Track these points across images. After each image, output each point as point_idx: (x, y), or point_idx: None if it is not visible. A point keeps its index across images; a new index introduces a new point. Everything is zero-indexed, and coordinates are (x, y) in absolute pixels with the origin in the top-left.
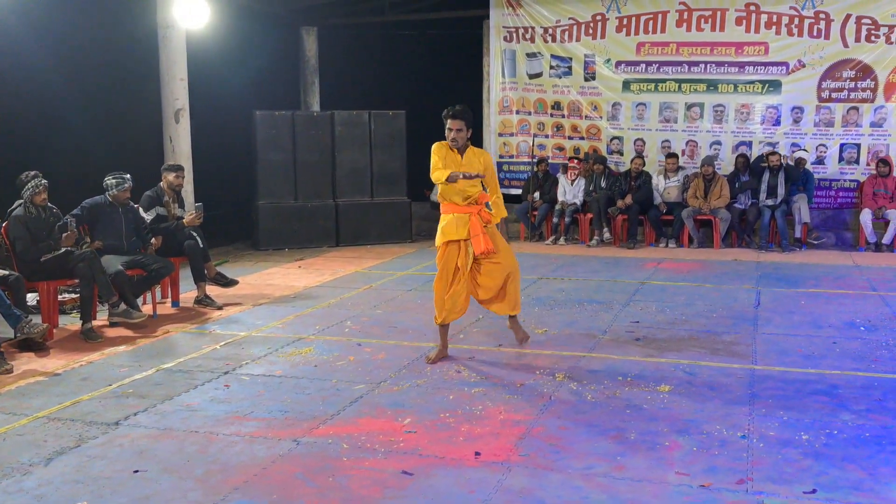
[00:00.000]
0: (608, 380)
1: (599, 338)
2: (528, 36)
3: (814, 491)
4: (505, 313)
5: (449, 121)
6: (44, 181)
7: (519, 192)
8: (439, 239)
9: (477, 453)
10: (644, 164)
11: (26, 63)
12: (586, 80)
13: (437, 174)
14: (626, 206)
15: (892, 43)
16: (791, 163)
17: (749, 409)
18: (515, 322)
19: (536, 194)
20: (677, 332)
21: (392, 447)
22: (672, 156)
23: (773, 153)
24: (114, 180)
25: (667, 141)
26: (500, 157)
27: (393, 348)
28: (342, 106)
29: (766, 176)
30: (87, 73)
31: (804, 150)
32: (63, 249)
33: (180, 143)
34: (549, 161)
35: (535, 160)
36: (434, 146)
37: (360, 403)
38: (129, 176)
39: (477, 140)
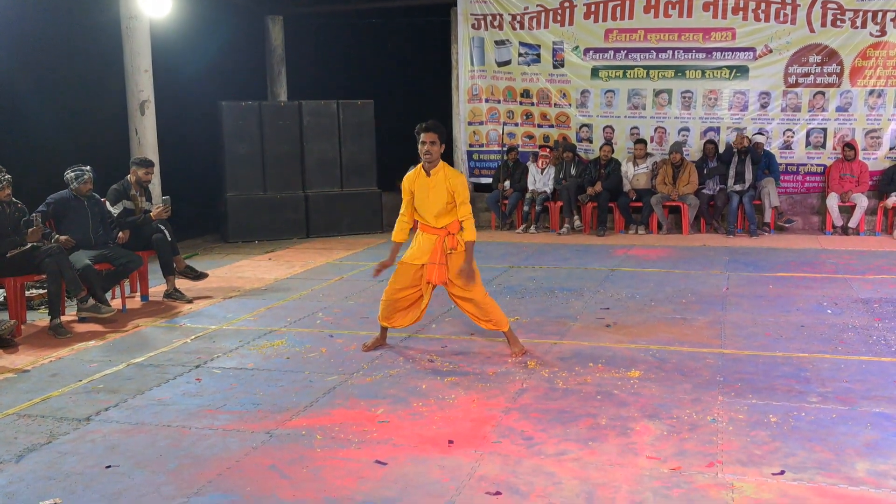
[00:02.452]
0: (579, 366)
1: (570, 325)
2: (496, 23)
3: (782, 472)
4: (492, 328)
5: (422, 134)
6: (7, 176)
7: (489, 181)
8: (405, 256)
9: (450, 441)
10: (613, 152)
11: None
12: (555, 67)
13: (398, 224)
14: (596, 194)
15: (857, 27)
16: (749, 145)
17: (718, 392)
18: (510, 335)
19: (507, 183)
20: (647, 318)
21: (365, 437)
22: (640, 142)
23: (740, 136)
24: (73, 174)
25: (635, 128)
26: (470, 145)
27: (365, 339)
28: (310, 96)
29: (735, 161)
30: (49, 66)
31: (761, 134)
32: (29, 245)
33: (146, 135)
34: (519, 149)
35: (504, 149)
36: (404, 179)
37: (333, 394)
38: (88, 168)
39: (448, 129)
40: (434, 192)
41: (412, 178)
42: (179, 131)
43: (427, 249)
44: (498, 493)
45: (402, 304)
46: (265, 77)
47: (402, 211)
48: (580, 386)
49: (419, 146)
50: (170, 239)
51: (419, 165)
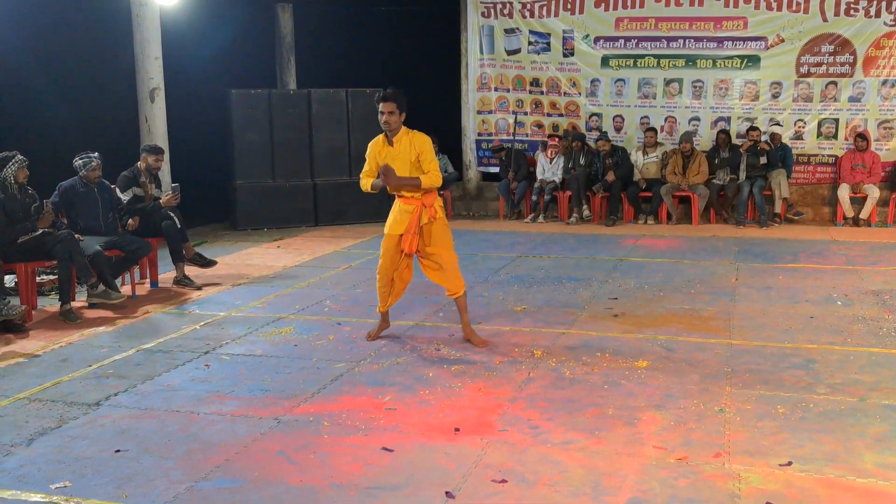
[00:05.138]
0: (586, 356)
1: (578, 314)
2: (506, 11)
3: (789, 463)
4: (450, 295)
5: (380, 104)
6: (22, 157)
7: (497, 170)
8: (386, 227)
9: (456, 429)
10: (610, 145)
11: None
12: (565, 56)
13: (363, 182)
14: (610, 183)
15: (871, 17)
16: (766, 137)
17: (726, 383)
18: (466, 325)
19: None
20: (655, 308)
21: (372, 424)
22: (651, 130)
23: (753, 128)
24: (81, 161)
25: (646, 117)
26: (479, 134)
27: (373, 327)
28: (319, 84)
29: (745, 156)
30: (59, 54)
31: (779, 124)
32: (40, 230)
33: (156, 122)
34: (529, 138)
35: (496, 147)
36: (369, 145)
37: (341, 381)
38: (96, 154)
39: (455, 118)
40: (400, 159)
41: (377, 148)
42: (189, 119)
43: (403, 221)
44: (504, 480)
45: (391, 278)
46: (274, 65)
47: (363, 172)
48: (587, 375)
49: (379, 116)
50: (179, 226)
51: (382, 135)
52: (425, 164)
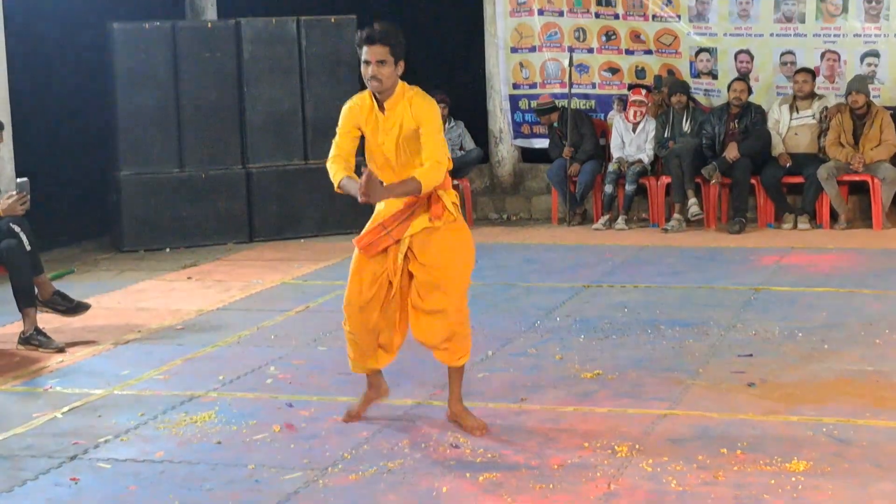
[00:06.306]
0: (705, 453)
1: (688, 384)
2: None
3: None
4: (445, 362)
5: (364, 48)
6: None
7: (545, 143)
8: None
9: None
10: (752, 92)
11: None
12: None
13: (331, 169)
14: (731, 162)
15: None
16: None
17: None
18: (456, 400)
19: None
20: (816, 372)
21: None
22: (805, 72)
23: None
24: None
25: (789, 53)
26: (515, 86)
27: (344, 409)
28: (254, 11)
29: None
30: None
31: None
32: None
33: None
34: (596, 91)
35: (543, 106)
36: (343, 109)
37: None
38: None
39: (475, 60)
40: (391, 134)
41: (362, 115)
42: (44, 73)
43: (386, 213)
44: None
45: (373, 318)
46: None
47: (332, 153)
48: (707, 487)
49: (361, 67)
50: (28, 248)
51: (368, 92)
52: (427, 146)
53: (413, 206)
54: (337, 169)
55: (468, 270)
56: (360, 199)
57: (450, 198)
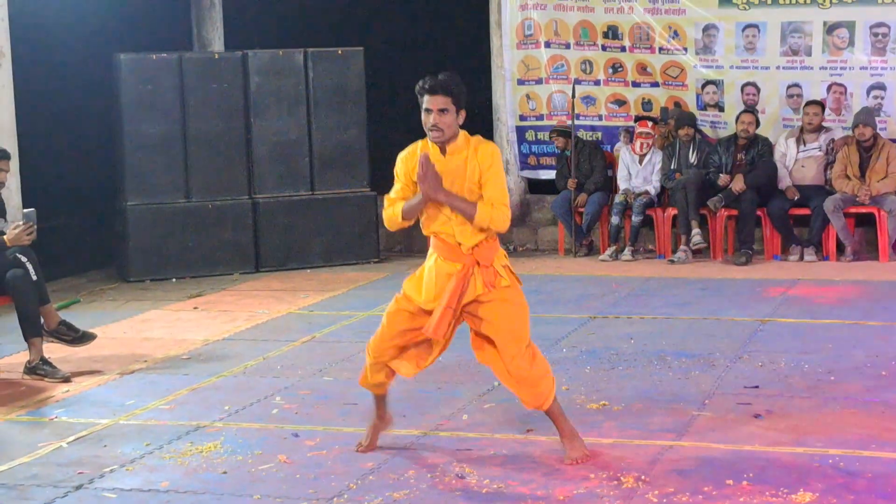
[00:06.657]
0: (711, 484)
1: (694, 415)
2: None
3: None
4: (529, 408)
5: (426, 97)
6: None
7: (552, 174)
8: (407, 284)
9: None
10: (759, 125)
11: None
12: None
13: (388, 212)
14: (736, 194)
15: None
16: None
17: None
18: (564, 437)
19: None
20: (824, 404)
21: None
22: (813, 105)
23: None
24: None
25: (795, 85)
26: (522, 117)
27: (351, 440)
28: (261, 44)
29: None
30: None
31: None
32: None
33: None
34: (603, 123)
35: (560, 128)
36: (399, 157)
37: None
38: None
39: (485, 90)
40: (457, 181)
41: (412, 164)
42: (52, 103)
43: (438, 286)
44: None
45: (392, 353)
46: (190, 17)
47: (392, 196)
48: None
49: (423, 115)
50: (34, 278)
51: (426, 140)
52: (489, 191)
53: (466, 278)
54: (393, 209)
55: (525, 331)
56: (420, 188)
57: (500, 261)
